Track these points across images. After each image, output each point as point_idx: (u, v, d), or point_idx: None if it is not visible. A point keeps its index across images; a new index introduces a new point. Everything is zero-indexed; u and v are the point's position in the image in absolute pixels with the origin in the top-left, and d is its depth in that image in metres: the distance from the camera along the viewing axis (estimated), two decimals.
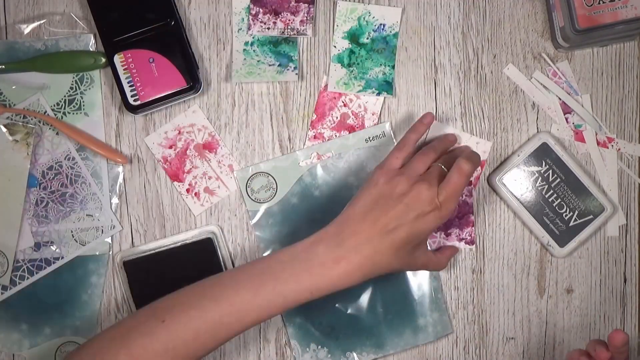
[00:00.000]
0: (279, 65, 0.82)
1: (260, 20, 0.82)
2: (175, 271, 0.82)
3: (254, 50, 0.82)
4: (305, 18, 0.82)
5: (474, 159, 0.73)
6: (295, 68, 0.82)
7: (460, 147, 0.82)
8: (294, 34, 0.82)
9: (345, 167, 0.82)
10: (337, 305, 0.82)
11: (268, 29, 0.82)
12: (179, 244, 0.82)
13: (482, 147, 0.83)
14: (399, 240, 0.70)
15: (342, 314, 0.83)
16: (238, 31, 0.82)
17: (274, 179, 0.82)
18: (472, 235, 0.82)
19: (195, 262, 0.82)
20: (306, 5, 0.82)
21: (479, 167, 0.82)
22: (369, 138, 0.82)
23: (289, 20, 0.82)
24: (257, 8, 0.82)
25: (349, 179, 0.82)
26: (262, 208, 0.82)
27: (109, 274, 0.82)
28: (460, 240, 0.82)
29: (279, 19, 0.82)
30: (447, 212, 0.71)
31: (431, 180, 0.71)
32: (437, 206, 0.70)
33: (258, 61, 0.82)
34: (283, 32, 0.82)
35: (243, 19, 0.82)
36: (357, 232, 0.69)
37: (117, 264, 0.82)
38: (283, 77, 0.82)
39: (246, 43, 0.82)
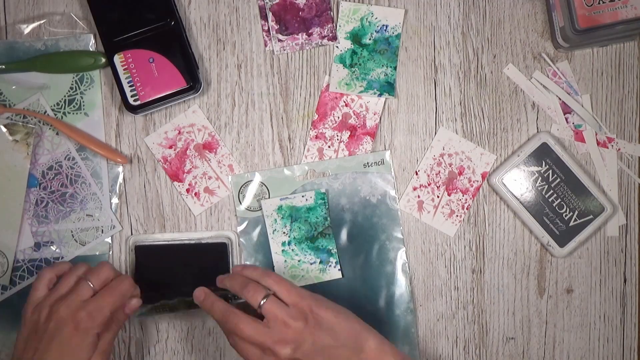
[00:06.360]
0: (320, 262, 0.81)
1: (279, 39, 0.81)
2: (182, 266, 0.81)
3: (292, 250, 0.81)
4: (327, 31, 0.81)
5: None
6: (337, 263, 0.81)
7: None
8: (320, 45, 0.81)
9: (339, 189, 0.82)
10: None
11: (288, 47, 0.81)
12: (193, 242, 0.82)
13: (485, 159, 0.83)
14: None
15: None
16: (273, 232, 0.81)
17: (267, 189, 0.82)
18: (333, 31, 0.80)
19: (205, 263, 0.82)
20: (326, 13, 0.81)
21: (480, 179, 0.82)
22: (368, 164, 0.82)
23: (313, 34, 0.81)
24: (273, 25, 0.81)
25: (341, 201, 0.82)
26: (252, 216, 0.82)
27: (117, 256, 0.82)
28: (323, 37, 0.80)
29: (302, 34, 0.81)
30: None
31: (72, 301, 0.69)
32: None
33: (299, 261, 0.82)
34: (305, 46, 0.81)
35: (276, 220, 0.81)
36: None
37: (129, 246, 0.82)
38: (327, 275, 0.81)
39: (283, 243, 0.81)
